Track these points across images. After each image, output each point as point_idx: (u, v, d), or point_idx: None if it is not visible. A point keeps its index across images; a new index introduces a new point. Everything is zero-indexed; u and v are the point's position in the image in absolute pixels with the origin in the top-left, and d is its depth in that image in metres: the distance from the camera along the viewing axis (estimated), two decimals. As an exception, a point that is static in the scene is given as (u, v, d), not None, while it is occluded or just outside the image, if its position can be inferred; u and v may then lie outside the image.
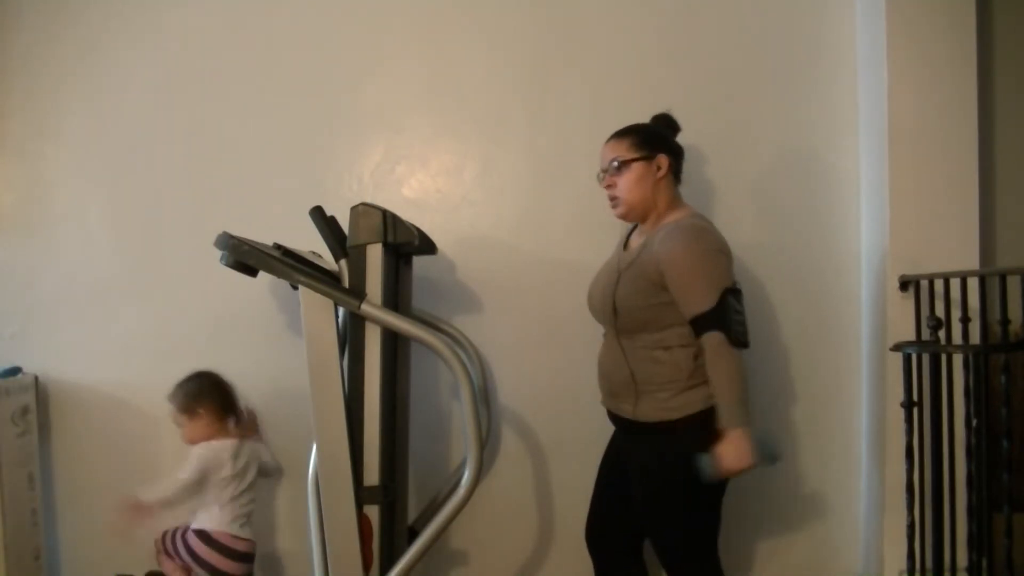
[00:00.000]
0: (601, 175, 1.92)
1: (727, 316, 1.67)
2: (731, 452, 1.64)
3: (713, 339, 1.67)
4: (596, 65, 2.47)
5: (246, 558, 2.18)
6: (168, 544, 2.18)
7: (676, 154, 1.90)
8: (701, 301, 1.68)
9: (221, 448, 2.15)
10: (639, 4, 2.47)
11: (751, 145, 2.43)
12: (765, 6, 2.44)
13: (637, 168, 1.84)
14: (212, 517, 2.14)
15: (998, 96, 2.39)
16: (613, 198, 1.89)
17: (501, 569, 2.48)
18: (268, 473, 2.36)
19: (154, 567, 2.38)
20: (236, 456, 2.17)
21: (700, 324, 1.69)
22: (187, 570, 2.17)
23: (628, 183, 1.85)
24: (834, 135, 2.42)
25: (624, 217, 1.91)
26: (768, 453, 1.69)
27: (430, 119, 2.52)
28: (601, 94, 2.44)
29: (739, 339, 1.68)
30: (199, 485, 2.13)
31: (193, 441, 2.18)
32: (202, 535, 2.13)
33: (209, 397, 2.20)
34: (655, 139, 1.88)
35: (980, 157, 2.20)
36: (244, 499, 2.19)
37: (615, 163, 1.85)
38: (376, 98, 2.52)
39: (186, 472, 2.11)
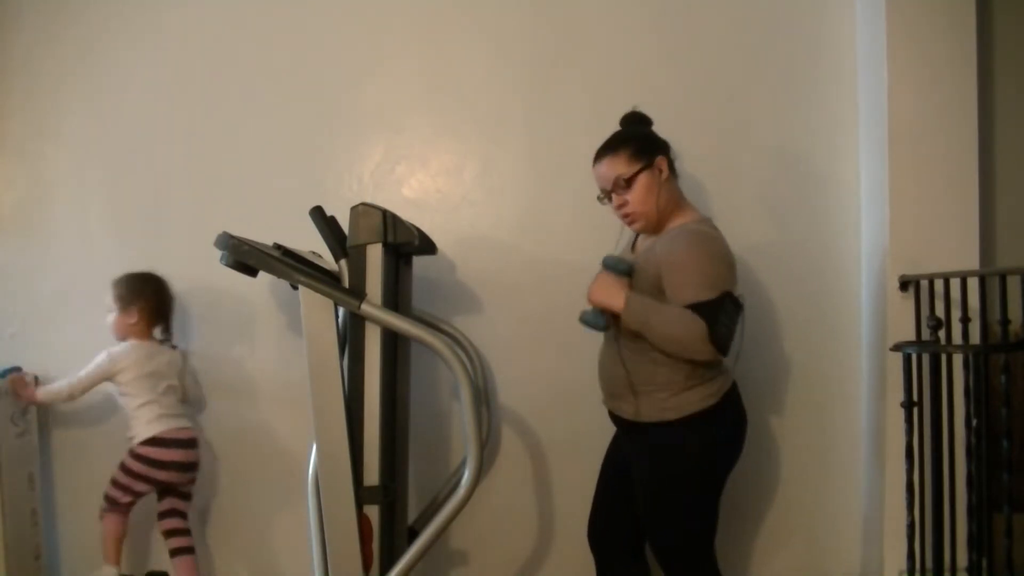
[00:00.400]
0: (604, 196, 1.87)
1: (716, 315, 1.62)
2: (607, 288, 1.73)
3: (696, 319, 1.61)
4: (596, 65, 2.47)
5: (194, 443, 2.33)
6: (123, 479, 2.23)
7: (667, 150, 1.87)
8: (694, 293, 1.64)
9: (122, 353, 2.26)
10: (639, 5, 2.47)
11: (751, 145, 2.43)
12: (765, 6, 2.44)
13: (644, 179, 1.79)
14: (148, 422, 2.25)
15: (998, 96, 2.39)
16: (628, 215, 1.84)
17: (501, 569, 2.48)
18: (187, 399, 2.43)
19: (154, 567, 2.39)
20: (148, 358, 2.28)
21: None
22: (124, 525, 2.26)
23: (640, 197, 1.80)
24: (834, 135, 2.42)
25: (644, 230, 1.87)
26: (593, 319, 1.78)
27: (430, 119, 2.52)
28: (601, 94, 2.44)
29: (719, 341, 1.63)
30: (99, 381, 2.26)
31: (116, 332, 2.31)
32: (153, 441, 2.23)
33: (146, 301, 2.31)
34: (648, 143, 1.84)
35: (980, 157, 2.20)
36: (168, 399, 2.30)
37: (622, 181, 1.80)
38: (376, 98, 2.52)
39: (84, 373, 2.25)
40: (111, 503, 2.25)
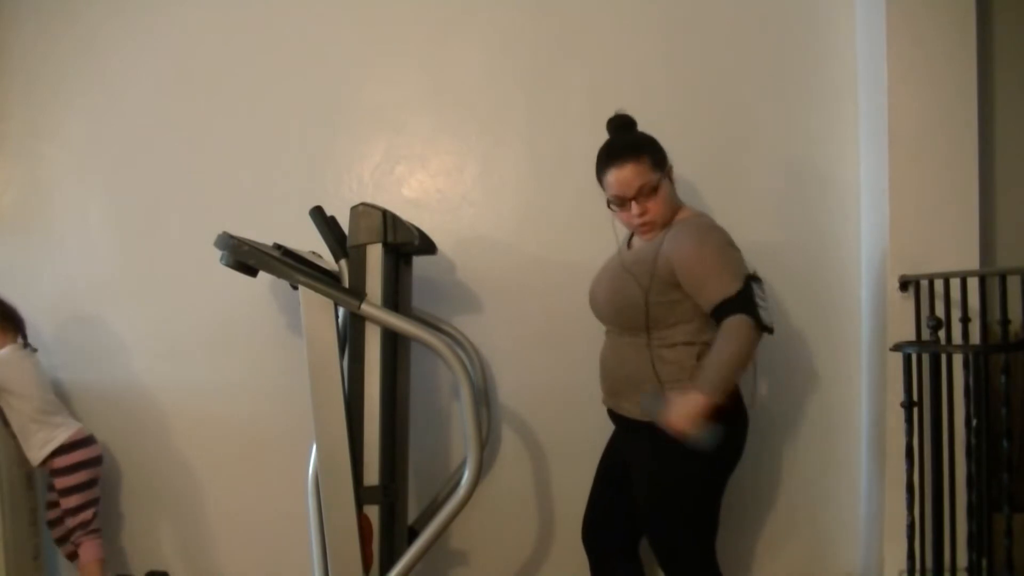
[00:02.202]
0: (620, 202, 1.78)
1: (752, 301, 1.64)
2: (682, 409, 1.59)
3: (738, 318, 1.63)
4: (596, 65, 2.46)
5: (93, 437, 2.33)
6: (79, 499, 2.21)
7: None
8: (724, 288, 1.65)
9: (17, 357, 2.23)
10: (639, 5, 2.47)
11: (751, 146, 2.43)
12: (765, 8, 2.44)
13: (664, 187, 1.78)
14: (65, 427, 2.24)
15: (998, 96, 2.39)
16: (647, 223, 1.78)
17: (501, 569, 2.48)
18: None
19: (154, 567, 2.39)
20: (34, 362, 2.27)
21: (724, 310, 1.65)
22: (102, 545, 2.26)
23: (660, 204, 1.78)
24: (834, 136, 2.42)
25: (654, 237, 1.81)
26: (707, 438, 1.61)
27: (430, 119, 2.52)
28: (601, 95, 2.43)
29: (764, 325, 1.65)
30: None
31: None
32: (65, 448, 2.21)
33: None
34: (660, 150, 1.82)
35: (980, 157, 2.20)
36: (51, 395, 2.28)
37: (648, 188, 1.75)
38: (376, 98, 2.52)
39: None
40: (83, 527, 2.23)
